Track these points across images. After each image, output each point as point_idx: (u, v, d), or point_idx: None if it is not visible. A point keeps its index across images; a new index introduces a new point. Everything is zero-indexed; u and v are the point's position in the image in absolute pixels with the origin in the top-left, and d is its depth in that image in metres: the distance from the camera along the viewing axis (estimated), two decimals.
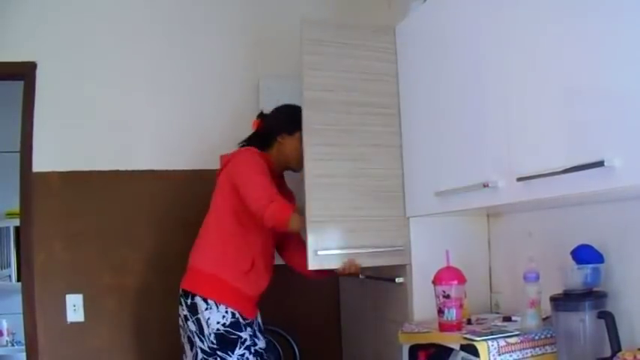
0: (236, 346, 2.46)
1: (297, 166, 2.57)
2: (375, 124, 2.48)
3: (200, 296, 2.47)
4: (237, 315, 2.49)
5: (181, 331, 2.58)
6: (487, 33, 1.92)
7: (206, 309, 2.46)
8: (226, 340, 2.45)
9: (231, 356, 2.45)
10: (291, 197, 2.74)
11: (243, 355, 2.47)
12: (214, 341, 2.44)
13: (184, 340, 2.57)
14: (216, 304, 2.47)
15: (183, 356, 2.58)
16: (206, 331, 2.45)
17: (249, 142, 2.72)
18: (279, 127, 2.66)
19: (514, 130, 1.81)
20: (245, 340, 2.49)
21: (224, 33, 3.28)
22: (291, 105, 2.68)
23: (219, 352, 2.44)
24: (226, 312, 2.47)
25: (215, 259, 2.53)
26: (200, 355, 2.45)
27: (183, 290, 2.54)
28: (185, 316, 2.51)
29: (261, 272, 2.59)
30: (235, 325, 2.48)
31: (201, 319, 2.46)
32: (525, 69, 1.75)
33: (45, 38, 3.05)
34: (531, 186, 1.70)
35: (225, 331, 2.46)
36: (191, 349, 2.51)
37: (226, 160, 2.61)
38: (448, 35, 2.17)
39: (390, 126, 2.49)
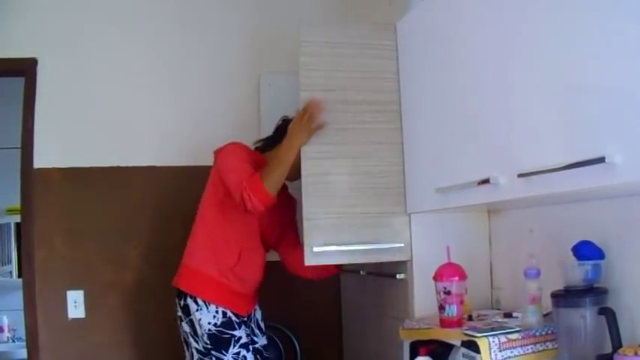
0: (230, 345, 2.45)
1: (294, 174, 2.44)
2: (375, 121, 2.47)
3: (190, 297, 2.47)
4: (229, 313, 2.48)
5: (180, 331, 2.58)
6: (488, 29, 1.92)
7: (197, 310, 2.45)
8: (219, 340, 2.45)
9: (225, 355, 2.44)
10: (293, 203, 2.75)
11: (238, 353, 2.46)
12: (207, 341, 2.44)
13: (183, 341, 2.57)
14: (206, 304, 2.45)
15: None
16: (199, 332, 2.45)
17: (263, 142, 2.71)
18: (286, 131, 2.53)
19: (515, 126, 1.81)
20: (240, 338, 2.48)
21: (225, 29, 3.28)
22: None
23: (213, 352, 2.44)
24: (216, 312, 2.46)
25: (201, 254, 2.52)
26: (196, 356, 2.46)
27: (176, 290, 2.54)
28: (180, 317, 2.52)
29: (249, 266, 2.55)
30: (227, 324, 2.47)
31: (194, 319, 2.46)
32: (526, 65, 1.75)
33: (46, 34, 3.05)
34: (532, 182, 1.70)
35: (217, 331, 2.45)
36: (187, 350, 2.52)
37: (214, 158, 2.61)
38: (449, 32, 2.16)
39: (390, 123, 2.49)
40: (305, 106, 2.35)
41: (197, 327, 2.46)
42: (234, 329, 2.48)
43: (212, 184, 2.56)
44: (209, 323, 2.45)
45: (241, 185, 2.33)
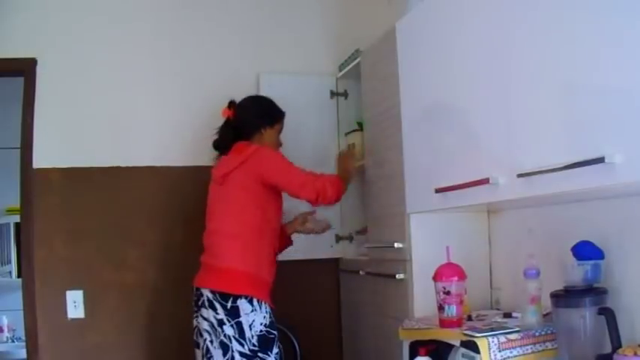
0: (274, 344, 2.48)
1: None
2: (374, 122, 2.48)
3: (245, 298, 2.44)
4: (271, 313, 2.50)
5: (207, 335, 2.48)
6: (487, 29, 1.92)
7: (252, 311, 2.43)
8: (267, 340, 2.46)
9: (270, 356, 2.45)
10: None
11: (278, 353, 2.50)
12: (256, 343, 2.43)
13: (212, 345, 2.46)
14: (260, 304, 2.46)
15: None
16: (247, 334, 2.42)
17: (222, 131, 2.73)
18: (262, 119, 2.69)
19: (514, 126, 1.81)
20: (277, 338, 2.51)
21: (224, 29, 3.28)
22: (262, 96, 2.78)
23: (259, 354, 2.43)
24: (267, 311, 2.48)
25: (249, 256, 2.52)
26: (238, 359, 2.42)
27: (218, 293, 2.46)
28: (220, 320, 2.44)
29: (275, 263, 2.63)
30: (272, 324, 2.50)
31: (243, 322, 2.43)
32: (526, 65, 1.75)
33: (45, 34, 3.05)
34: (532, 182, 1.70)
35: (266, 331, 2.46)
36: (224, 355, 2.43)
37: (239, 162, 2.56)
38: (448, 32, 2.16)
39: (390, 123, 2.49)
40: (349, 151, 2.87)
41: (246, 329, 2.42)
42: (275, 329, 2.51)
43: (248, 188, 2.54)
44: (261, 324, 2.45)
45: (316, 185, 2.51)
